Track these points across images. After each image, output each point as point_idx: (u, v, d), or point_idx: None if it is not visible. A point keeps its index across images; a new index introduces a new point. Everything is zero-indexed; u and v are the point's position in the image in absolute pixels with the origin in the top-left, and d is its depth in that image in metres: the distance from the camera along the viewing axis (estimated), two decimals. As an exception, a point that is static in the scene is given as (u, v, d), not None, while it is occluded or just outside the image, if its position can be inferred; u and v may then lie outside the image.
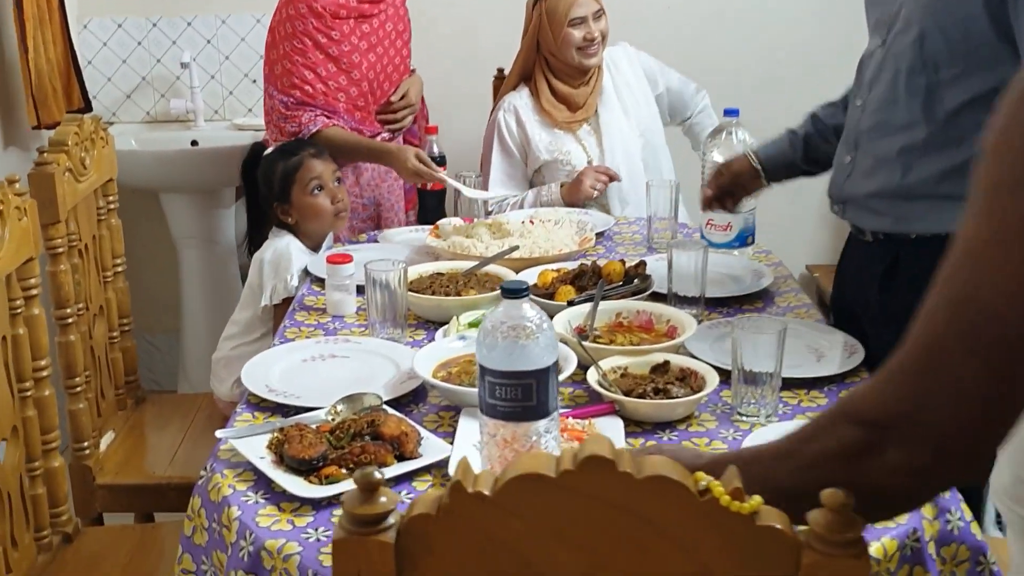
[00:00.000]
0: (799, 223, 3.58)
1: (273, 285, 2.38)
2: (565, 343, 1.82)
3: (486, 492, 0.85)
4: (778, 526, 0.84)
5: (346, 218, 2.54)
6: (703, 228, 2.51)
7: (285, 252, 2.40)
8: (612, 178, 2.78)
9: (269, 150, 2.57)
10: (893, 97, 1.85)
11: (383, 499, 0.86)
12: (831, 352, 1.90)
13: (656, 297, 2.11)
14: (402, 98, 2.84)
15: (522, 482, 0.85)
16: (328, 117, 2.70)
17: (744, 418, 1.67)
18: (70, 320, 2.11)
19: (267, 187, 2.50)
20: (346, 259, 2.12)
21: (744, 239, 2.49)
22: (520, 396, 1.31)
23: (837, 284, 2.20)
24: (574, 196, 2.76)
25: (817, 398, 1.75)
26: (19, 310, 1.81)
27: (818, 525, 0.84)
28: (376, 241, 2.62)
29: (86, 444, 2.20)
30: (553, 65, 2.88)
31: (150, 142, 3.57)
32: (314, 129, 2.66)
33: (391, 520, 0.86)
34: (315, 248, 2.50)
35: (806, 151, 2.21)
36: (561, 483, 0.84)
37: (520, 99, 2.92)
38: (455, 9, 3.31)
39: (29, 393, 1.85)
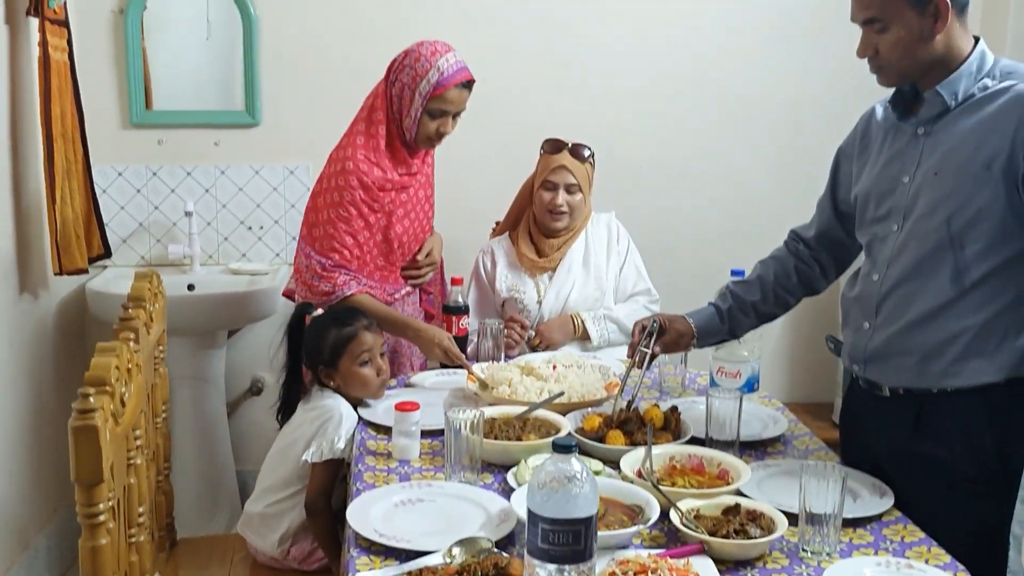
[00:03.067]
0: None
1: (319, 444, 2.45)
2: (636, 485, 2.02)
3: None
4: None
5: (386, 387, 2.66)
6: (714, 375, 2.74)
7: (336, 413, 2.50)
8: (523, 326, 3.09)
9: (318, 312, 2.67)
10: (918, 272, 2.12)
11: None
12: (862, 492, 2.12)
13: (692, 440, 2.33)
14: (427, 255, 3.05)
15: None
16: (359, 282, 2.86)
17: (810, 555, 1.87)
18: (138, 461, 2.21)
19: (315, 350, 2.58)
20: (414, 407, 2.28)
21: (751, 385, 2.73)
22: (572, 540, 1.46)
23: (849, 433, 2.43)
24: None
25: (864, 536, 1.96)
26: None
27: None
28: (407, 386, 2.78)
29: (148, 586, 2.28)
30: (535, 213, 3.22)
31: (148, 285, 3.68)
32: (348, 292, 2.81)
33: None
34: (354, 407, 2.60)
35: (731, 325, 2.54)
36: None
37: (498, 244, 3.30)
38: (452, 170, 3.54)
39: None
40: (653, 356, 2.50)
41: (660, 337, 2.50)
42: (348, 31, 3.75)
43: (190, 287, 3.70)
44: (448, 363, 2.84)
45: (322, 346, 2.57)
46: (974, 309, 2.08)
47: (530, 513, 1.46)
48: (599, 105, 3.86)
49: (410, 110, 2.84)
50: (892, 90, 2.22)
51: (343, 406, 2.52)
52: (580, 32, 3.85)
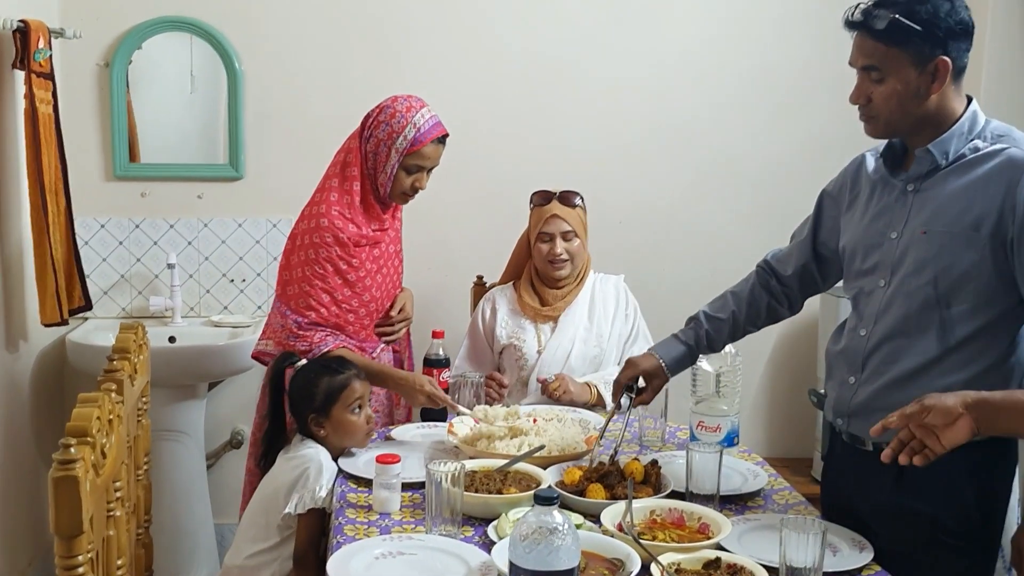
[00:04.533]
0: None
1: (301, 495, 2.43)
2: (617, 539, 2.02)
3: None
4: None
5: (372, 436, 2.66)
6: (694, 429, 2.75)
7: (317, 463, 2.48)
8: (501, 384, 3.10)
9: (303, 362, 2.68)
10: (905, 329, 2.15)
11: None
12: (842, 547, 2.12)
13: (672, 494, 2.33)
14: (399, 311, 3.06)
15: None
16: (335, 337, 2.85)
17: (790, 608, 1.87)
18: (118, 513, 2.19)
19: (306, 398, 2.57)
20: (395, 459, 2.28)
21: (731, 439, 2.74)
22: (554, 593, 1.46)
23: (830, 487, 2.44)
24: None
25: (844, 589, 1.97)
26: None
27: None
28: (387, 439, 2.78)
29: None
30: (536, 266, 3.25)
31: (129, 337, 3.67)
32: (324, 349, 2.81)
33: None
34: (335, 458, 2.59)
35: (696, 358, 2.60)
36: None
37: (501, 292, 3.31)
38: (430, 223, 3.56)
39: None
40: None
41: (640, 394, 2.55)
42: (331, 86, 3.79)
43: (171, 339, 3.70)
44: (433, 406, 2.83)
45: (314, 394, 2.56)
46: (958, 367, 2.10)
47: (512, 566, 1.46)
48: (579, 158, 3.90)
49: (385, 166, 2.85)
50: (875, 141, 2.26)
51: (323, 455, 2.51)
52: (561, 88, 3.91)
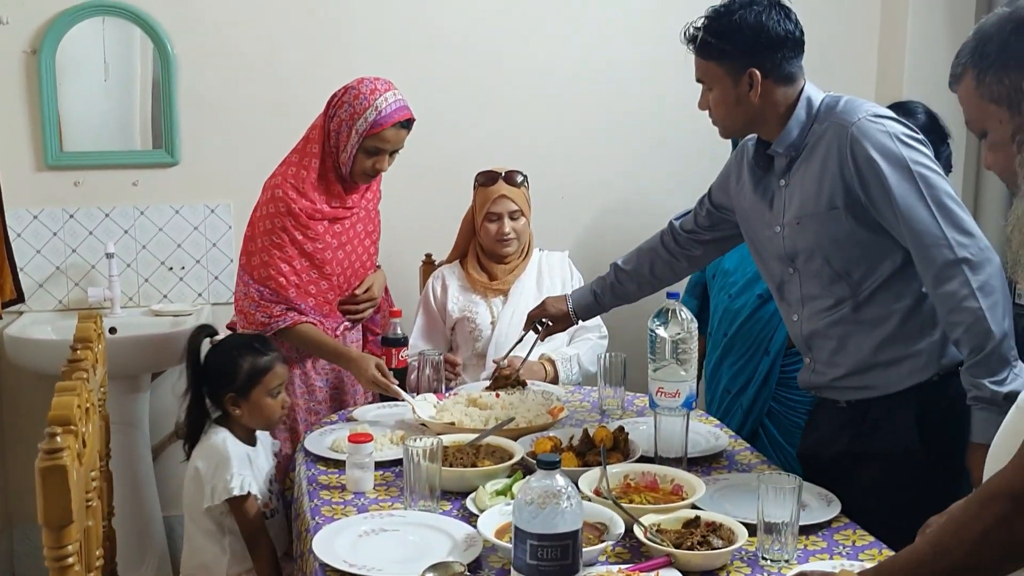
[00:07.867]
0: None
1: (213, 486, 2.44)
2: (599, 505, 2.05)
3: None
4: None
5: (283, 420, 2.71)
6: (653, 395, 2.78)
7: (223, 451, 2.48)
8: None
9: (223, 337, 2.64)
10: (824, 306, 2.32)
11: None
12: (810, 502, 2.18)
13: (641, 459, 2.37)
14: (366, 291, 3.05)
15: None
16: (300, 312, 2.87)
17: (770, 563, 1.92)
18: (95, 503, 2.15)
19: (228, 376, 2.54)
20: (367, 438, 2.28)
21: (689, 404, 2.78)
22: (560, 555, 1.51)
23: (808, 438, 2.54)
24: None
25: (817, 543, 2.03)
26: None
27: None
28: (349, 420, 2.77)
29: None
30: (482, 244, 3.28)
31: (68, 330, 3.57)
32: (283, 325, 2.83)
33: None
34: (247, 440, 2.60)
35: (604, 308, 2.88)
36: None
37: (450, 270, 3.34)
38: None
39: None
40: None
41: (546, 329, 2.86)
42: (267, 69, 3.73)
43: (112, 330, 3.61)
44: (390, 365, 2.87)
45: (236, 373, 2.53)
46: (879, 322, 2.25)
47: (517, 530, 1.48)
48: (521, 136, 3.89)
49: (346, 146, 2.86)
50: None
51: (229, 443, 2.51)
52: (500, 69, 3.89)
